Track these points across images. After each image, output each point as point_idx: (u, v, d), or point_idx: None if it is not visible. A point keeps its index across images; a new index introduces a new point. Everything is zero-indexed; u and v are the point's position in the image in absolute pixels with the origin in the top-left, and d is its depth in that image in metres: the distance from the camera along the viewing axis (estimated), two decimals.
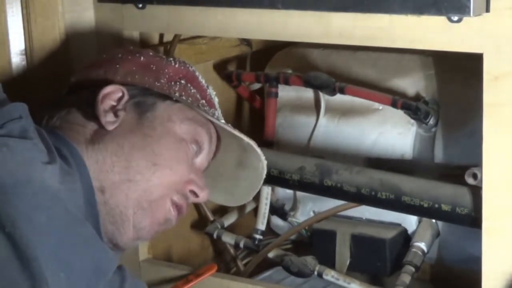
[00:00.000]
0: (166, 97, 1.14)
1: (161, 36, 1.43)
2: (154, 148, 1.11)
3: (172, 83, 1.15)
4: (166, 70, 1.16)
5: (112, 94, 1.12)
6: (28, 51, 1.32)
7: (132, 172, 1.09)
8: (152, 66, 1.16)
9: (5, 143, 0.98)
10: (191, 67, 1.21)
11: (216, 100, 1.22)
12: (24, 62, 1.32)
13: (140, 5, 1.26)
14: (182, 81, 1.16)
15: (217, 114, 1.20)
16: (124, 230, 1.09)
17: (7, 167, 0.96)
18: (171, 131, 1.13)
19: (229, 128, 1.17)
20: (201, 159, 1.17)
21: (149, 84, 1.14)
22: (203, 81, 1.21)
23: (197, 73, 1.21)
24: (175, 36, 1.38)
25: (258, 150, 1.19)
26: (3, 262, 0.91)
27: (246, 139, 1.17)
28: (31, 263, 0.92)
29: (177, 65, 1.18)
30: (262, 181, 1.23)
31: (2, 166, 0.96)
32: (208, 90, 1.21)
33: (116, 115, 1.11)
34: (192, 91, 1.17)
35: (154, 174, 1.10)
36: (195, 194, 1.14)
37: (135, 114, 1.13)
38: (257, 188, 1.26)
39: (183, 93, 1.15)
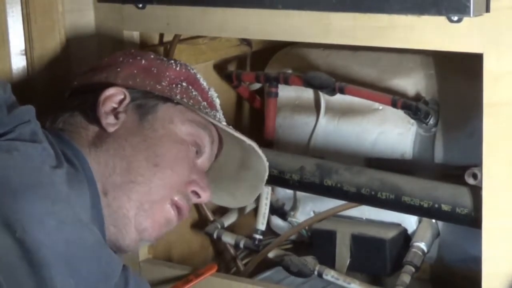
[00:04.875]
0: (167, 99, 1.14)
1: (161, 36, 1.43)
2: (155, 149, 1.11)
3: (173, 85, 1.15)
4: (168, 73, 1.16)
5: (113, 97, 1.12)
6: (28, 51, 1.32)
7: (134, 173, 1.09)
8: (153, 69, 1.16)
9: (16, 147, 0.98)
10: (192, 69, 1.21)
11: (217, 101, 1.22)
12: (24, 62, 1.32)
13: (140, 5, 1.26)
14: (184, 84, 1.16)
15: (218, 116, 1.20)
16: (126, 232, 1.10)
17: (17, 171, 0.97)
18: (172, 132, 1.13)
19: (230, 130, 1.17)
20: (203, 161, 1.17)
21: (150, 87, 1.14)
22: (205, 83, 1.21)
23: (198, 76, 1.21)
24: (175, 36, 1.38)
25: (260, 151, 1.19)
26: (13, 267, 0.91)
27: (248, 141, 1.17)
28: (41, 269, 0.92)
29: (178, 68, 1.18)
30: (264, 183, 1.24)
31: (13, 170, 0.96)
32: (209, 92, 1.21)
33: (117, 117, 1.11)
34: (194, 93, 1.17)
35: (155, 175, 1.10)
36: (197, 194, 1.15)
37: (136, 116, 1.13)
38: (259, 190, 1.26)
39: (184, 96, 1.15)
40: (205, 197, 1.15)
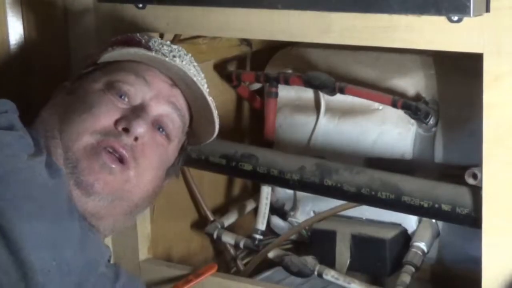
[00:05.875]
0: (90, 67, 1.15)
1: (161, 36, 1.42)
2: (69, 105, 1.11)
3: (98, 53, 1.15)
4: (100, 48, 1.18)
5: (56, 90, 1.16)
6: (28, 51, 1.32)
7: (53, 131, 1.09)
8: (91, 51, 1.20)
9: None
10: (139, 34, 1.19)
11: (159, 45, 1.16)
12: (23, 62, 1.32)
13: (140, 5, 1.26)
14: (113, 47, 1.16)
15: (152, 53, 1.13)
16: (74, 197, 1.06)
17: None
18: (85, 89, 1.12)
19: (143, 51, 1.13)
20: (145, 102, 1.12)
21: (81, 67, 1.17)
22: (142, 37, 1.18)
23: (138, 35, 1.18)
24: (175, 36, 1.38)
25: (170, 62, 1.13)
26: None
27: (153, 54, 1.13)
28: (21, 253, 0.94)
29: (114, 39, 1.19)
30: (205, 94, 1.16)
31: None
32: (149, 42, 1.16)
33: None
34: (117, 48, 1.15)
35: (66, 124, 1.08)
36: (126, 130, 1.09)
37: (66, 92, 1.15)
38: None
39: (104, 54, 1.14)
40: (134, 129, 1.08)
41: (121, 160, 1.08)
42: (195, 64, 1.19)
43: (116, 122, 1.09)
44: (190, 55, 1.19)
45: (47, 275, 0.95)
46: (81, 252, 1.00)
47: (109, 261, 1.06)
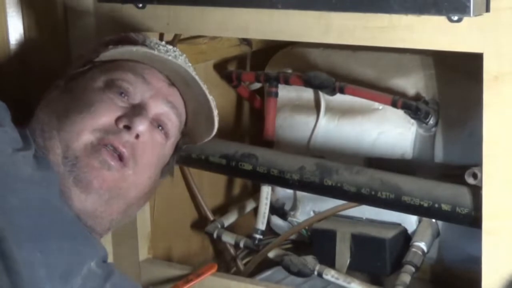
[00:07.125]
0: (86, 65, 1.16)
1: (161, 36, 1.43)
2: (67, 104, 1.11)
3: (94, 52, 1.16)
4: (94, 47, 1.18)
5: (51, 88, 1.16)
6: (28, 52, 1.32)
7: (52, 132, 1.09)
8: (85, 51, 1.19)
9: None
10: (134, 33, 1.19)
11: (155, 43, 1.17)
12: (23, 62, 1.32)
13: (140, 5, 1.26)
14: (109, 47, 1.15)
15: (145, 49, 1.14)
16: (77, 193, 1.07)
17: None
18: (83, 87, 1.13)
19: (137, 48, 1.13)
20: (137, 96, 1.13)
21: (75, 66, 1.17)
22: (138, 36, 1.18)
23: (132, 34, 1.18)
24: (175, 36, 1.38)
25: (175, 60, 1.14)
26: None
27: (150, 51, 1.13)
28: (1, 244, 0.93)
29: (109, 38, 1.19)
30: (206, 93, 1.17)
31: None
32: (139, 40, 1.17)
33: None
34: (116, 46, 1.15)
35: (65, 123, 1.09)
36: (128, 127, 1.09)
37: (61, 91, 1.15)
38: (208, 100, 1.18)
39: (101, 54, 1.14)
40: (135, 126, 1.09)
41: (120, 158, 1.08)
42: (190, 64, 1.20)
43: (117, 120, 1.10)
44: (185, 55, 1.20)
45: (31, 267, 0.94)
46: (71, 242, 0.99)
47: (105, 261, 1.05)
